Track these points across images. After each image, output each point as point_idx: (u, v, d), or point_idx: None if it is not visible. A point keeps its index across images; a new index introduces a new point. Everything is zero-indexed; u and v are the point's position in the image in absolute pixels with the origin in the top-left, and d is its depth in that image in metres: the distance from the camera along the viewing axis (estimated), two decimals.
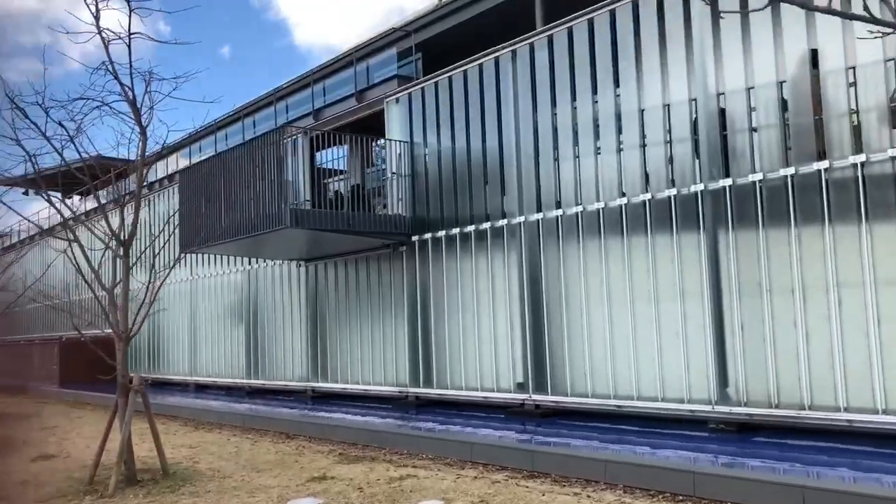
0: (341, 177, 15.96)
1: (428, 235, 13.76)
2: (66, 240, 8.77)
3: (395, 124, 14.70)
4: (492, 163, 12.68)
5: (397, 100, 14.64)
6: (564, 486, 7.54)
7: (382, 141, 14.86)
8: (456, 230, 13.21)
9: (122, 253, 8.70)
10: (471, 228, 12.94)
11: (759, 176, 9.20)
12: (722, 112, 9.73)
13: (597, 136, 11.08)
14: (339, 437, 11.03)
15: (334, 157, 18.18)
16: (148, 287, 8.70)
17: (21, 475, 9.54)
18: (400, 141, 14.31)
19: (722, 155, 9.70)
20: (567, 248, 11.38)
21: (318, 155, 15.33)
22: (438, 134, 13.67)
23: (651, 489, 7.10)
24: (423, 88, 14.02)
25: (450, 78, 13.42)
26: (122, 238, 8.68)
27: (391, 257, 14.62)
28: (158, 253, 9.91)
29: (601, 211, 10.92)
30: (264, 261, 18.37)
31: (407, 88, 14.39)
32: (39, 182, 8.78)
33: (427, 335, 13.74)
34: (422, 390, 13.80)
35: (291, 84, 17.93)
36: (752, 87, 9.38)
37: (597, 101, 11.10)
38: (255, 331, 18.69)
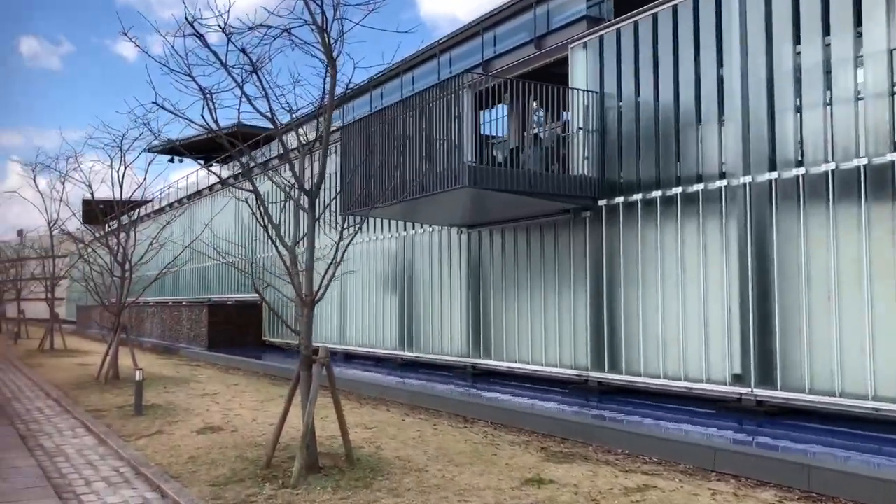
0: (527, 132, 14.27)
1: (619, 199, 12.04)
2: (246, 190, 7.69)
3: (580, 73, 12.98)
4: (707, 113, 10.78)
5: (585, 44, 12.89)
6: None
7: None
8: (657, 193, 11.42)
9: (306, 205, 7.52)
10: (676, 191, 11.11)
11: None
12: None
13: (859, 76, 9.00)
14: (528, 425, 9.60)
15: (496, 116, 16.65)
16: (338, 246, 7.48)
17: (189, 449, 8.65)
18: (588, 91, 12.59)
19: None
20: (811, 214, 9.38)
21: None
22: (637, 81, 11.86)
23: None
24: (618, 30, 12.20)
25: (654, 16, 11.54)
26: (308, 187, 7.49)
27: (571, 224, 12.99)
28: (350, 208, 8.71)
29: (862, 169, 8.86)
30: (421, 226, 17.18)
31: (598, 31, 12.62)
32: (218, 129, 7.72)
33: (614, 315, 12.08)
34: (606, 375, 12.18)
35: (456, 35, 16.49)
36: None
37: (860, 34, 9.00)
38: (410, 301, 17.59)
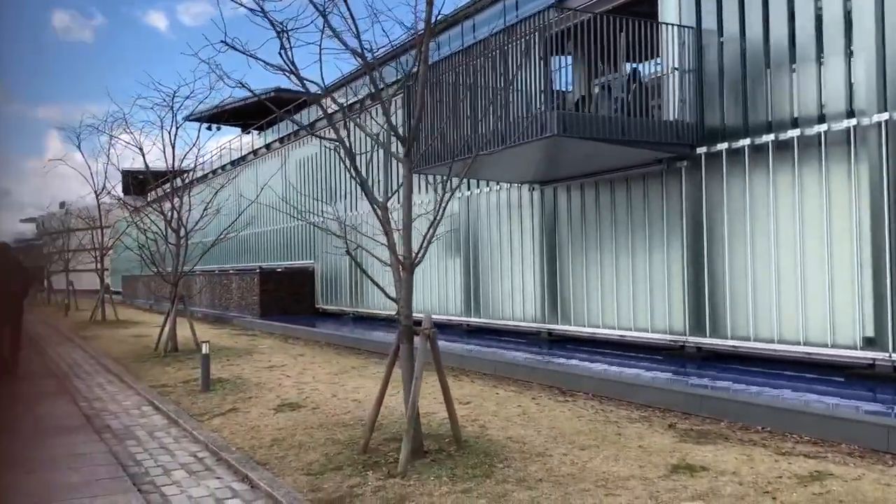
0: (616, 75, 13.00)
1: (722, 146, 10.85)
2: (330, 139, 6.73)
3: (671, 7, 11.73)
4: (830, 44, 9.50)
5: None
6: None
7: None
8: (768, 137, 10.21)
9: (401, 154, 6.53)
10: (793, 134, 9.90)
11: None
12: None
13: None
14: (639, 398, 8.62)
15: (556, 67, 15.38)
16: (441, 201, 6.51)
17: (270, 430, 7.84)
18: (683, 26, 11.35)
19: None
20: None
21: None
22: (742, 14, 10.58)
23: None
24: None
25: None
26: (403, 134, 6.50)
27: (664, 175, 11.85)
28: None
29: None
30: (486, 184, 16.15)
31: None
32: (295, 69, 6.72)
33: (716, 274, 10.97)
34: (706, 340, 11.13)
35: None
36: None
37: None
38: (476, 264, 16.63)
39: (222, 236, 15.22)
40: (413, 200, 7.06)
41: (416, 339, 6.65)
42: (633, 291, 12.42)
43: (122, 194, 28.73)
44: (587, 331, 13.49)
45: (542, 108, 10.47)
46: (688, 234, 11.42)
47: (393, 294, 6.88)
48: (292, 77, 6.86)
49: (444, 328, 17.56)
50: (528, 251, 15.01)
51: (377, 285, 6.93)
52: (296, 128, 27.92)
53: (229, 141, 34.05)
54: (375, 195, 6.88)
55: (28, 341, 12.61)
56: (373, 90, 6.85)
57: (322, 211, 22.04)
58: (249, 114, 29.04)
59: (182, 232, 14.76)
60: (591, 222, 13.38)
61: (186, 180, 15.60)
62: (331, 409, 8.74)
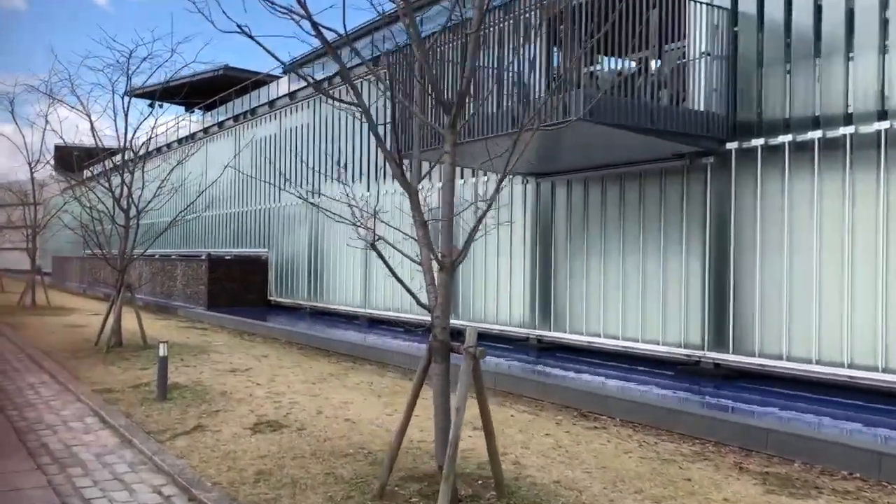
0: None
1: (758, 142, 9.77)
2: (345, 102, 5.31)
3: None
4: None
5: None
6: None
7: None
8: (814, 134, 9.15)
9: (445, 123, 5.16)
10: (845, 131, 8.85)
11: None
12: None
13: None
14: (684, 428, 7.42)
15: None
16: (498, 187, 5.17)
17: (250, 457, 6.36)
18: (716, 6, 10.22)
19: None
20: None
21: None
22: None
23: None
24: None
25: None
26: (449, 101, 5.13)
27: (686, 171, 10.73)
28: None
29: None
30: (473, 174, 14.84)
31: None
32: (308, 15, 5.29)
33: (744, 285, 9.91)
34: (729, 357, 10.06)
35: None
36: None
37: None
38: None
39: (178, 217, 13.52)
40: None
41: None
42: (643, 299, 11.28)
43: (54, 171, 26.49)
44: (584, 339, 12.32)
45: (559, 90, 9.19)
46: (712, 238, 10.32)
47: (424, 300, 5.49)
48: (303, 23, 5.43)
49: (415, 329, 16.20)
50: (518, 249, 13.77)
51: (408, 290, 5.62)
52: (252, 106, 26.07)
53: (177, 118, 31.88)
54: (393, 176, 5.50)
55: None
56: (407, 39, 5.46)
57: (279, 195, 20.45)
58: (197, 92, 27.05)
59: (133, 212, 13.02)
60: (594, 221, 12.19)
61: (139, 153, 13.80)
62: (320, 430, 7.29)
